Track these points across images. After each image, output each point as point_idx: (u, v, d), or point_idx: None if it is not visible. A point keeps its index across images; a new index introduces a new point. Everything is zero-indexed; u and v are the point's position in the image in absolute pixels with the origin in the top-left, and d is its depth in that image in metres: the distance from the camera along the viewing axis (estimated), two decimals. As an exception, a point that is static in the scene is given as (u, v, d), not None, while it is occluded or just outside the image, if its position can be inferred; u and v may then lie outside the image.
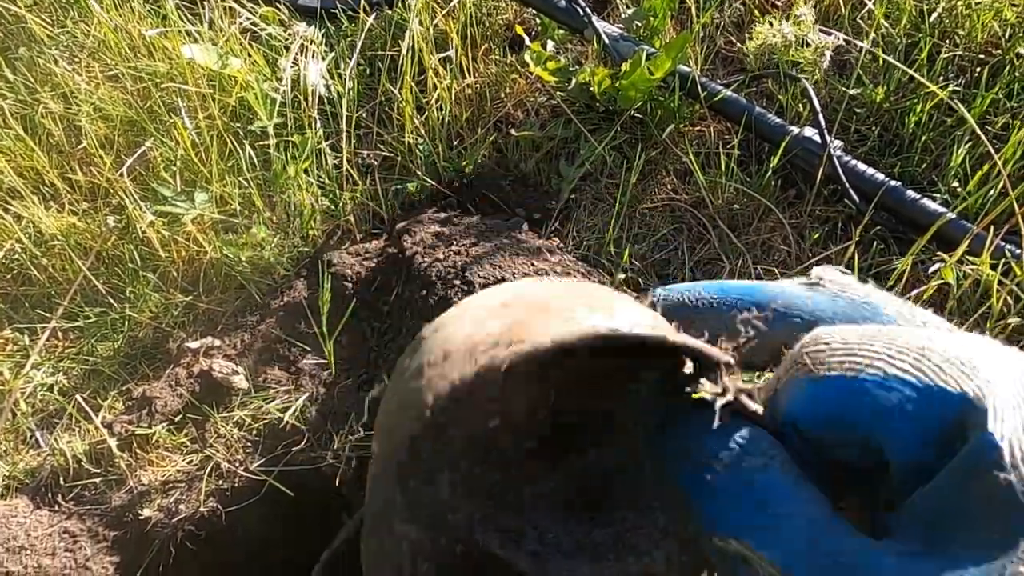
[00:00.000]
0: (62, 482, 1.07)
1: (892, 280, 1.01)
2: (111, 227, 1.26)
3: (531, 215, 1.23)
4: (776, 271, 1.09)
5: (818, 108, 1.11)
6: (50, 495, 1.07)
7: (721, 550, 0.27)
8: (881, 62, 1.20)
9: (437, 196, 1.27)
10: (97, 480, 1.07)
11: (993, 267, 0.97)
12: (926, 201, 1.06)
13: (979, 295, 1.01)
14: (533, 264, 1.07)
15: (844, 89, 1.19)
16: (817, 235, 1.12)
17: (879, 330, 0.26)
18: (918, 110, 1.14)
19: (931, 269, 1.00)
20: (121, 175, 1.22)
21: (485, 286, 1.03)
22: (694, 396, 0.29)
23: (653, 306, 0.35)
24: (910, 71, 1.08)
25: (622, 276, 1.11)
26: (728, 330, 0.32)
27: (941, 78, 1.18)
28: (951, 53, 1.19)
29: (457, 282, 1.04)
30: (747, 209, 1.16)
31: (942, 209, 1.04)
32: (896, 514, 0.26)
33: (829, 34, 1.21)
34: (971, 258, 0.99)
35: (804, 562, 0.24)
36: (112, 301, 1.22)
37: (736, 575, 0.26)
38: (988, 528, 0.22)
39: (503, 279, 1.04)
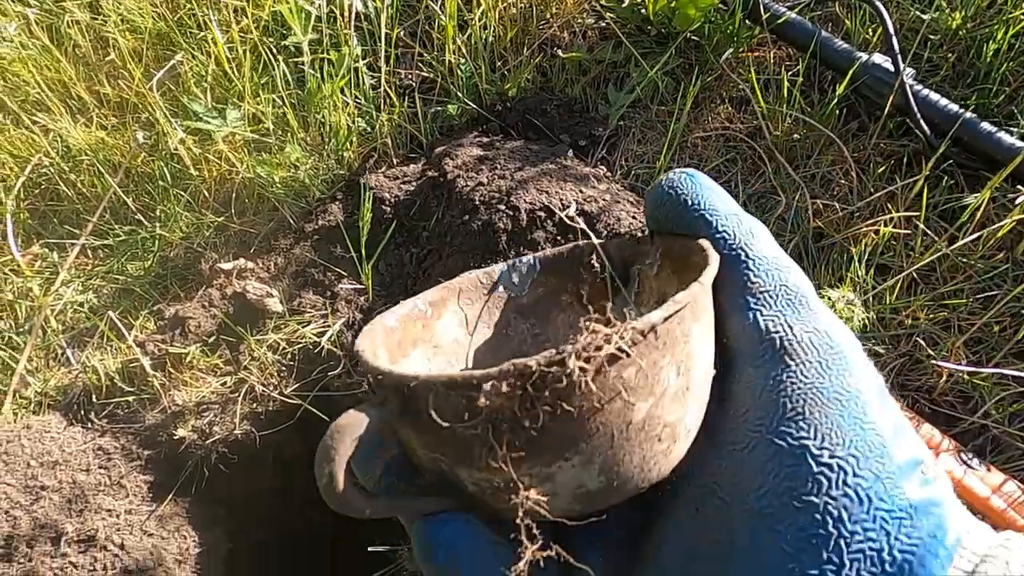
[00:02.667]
0: (94, 400, 1.06)
1: (964, 217, 0.96)
2: (140, 143, 1.21)
3: (576, 142, 1.17)
4: (836, 206, 1.04)
5: (891, 31, 1.04)
6: (83, 412, 1.06)
7: None
8: (960, -15, 1.11)
9: (478, 120, 1.21)
10: (130, 399, 1.05)
11: (1076, 205, 0.91)
12: (1003, 135, 0.99)
13: (1055, 236, 0.95)
14: (581, 191, 1.02)
15: (918, 14, 1.11)
16: (882, 169, 1.05)
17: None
18: (999, 37, 1.06)
19: (1018, 200, 0.93)
20: (151, 89, 1.18)
21: (531, 212, 0.99)
22: None
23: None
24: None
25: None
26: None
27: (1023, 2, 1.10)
28: (1038, -24, 1.10)
29: (502, 207, 0.99)
30: (807, 141, 1.10)
31: (1021, 143, 0.98)
32: None
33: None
34: (1052, 195, 0.93)
35: None
36: (142, 219, 1.18)
37: None
38: None
39: (550, 205, 0.99)
